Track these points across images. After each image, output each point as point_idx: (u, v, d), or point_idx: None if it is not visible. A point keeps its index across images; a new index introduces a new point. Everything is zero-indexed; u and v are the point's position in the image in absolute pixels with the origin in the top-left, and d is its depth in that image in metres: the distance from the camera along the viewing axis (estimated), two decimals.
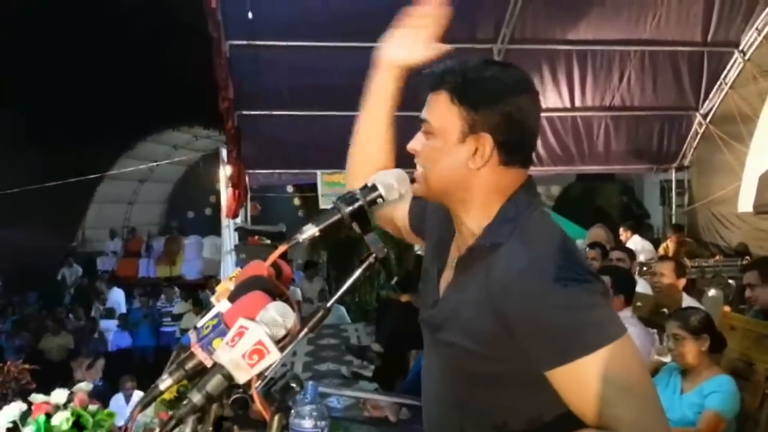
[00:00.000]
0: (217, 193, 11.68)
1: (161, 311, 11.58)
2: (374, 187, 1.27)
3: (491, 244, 1.26)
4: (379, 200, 1.27)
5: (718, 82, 8.79)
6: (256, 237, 7.98)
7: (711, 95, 8.91)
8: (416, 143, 1.36)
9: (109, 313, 11.83)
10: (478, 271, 1.26)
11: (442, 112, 1.29)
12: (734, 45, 8.42)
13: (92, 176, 13.60)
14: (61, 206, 13.03)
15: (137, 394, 6.61)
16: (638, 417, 1.13)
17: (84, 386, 1.60)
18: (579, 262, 1.23)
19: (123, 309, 12.34)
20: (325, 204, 8.53)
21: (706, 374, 3.03)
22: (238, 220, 8.71)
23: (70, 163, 12.50)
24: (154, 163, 15.49)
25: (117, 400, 6.82)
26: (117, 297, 12.73)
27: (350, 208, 1.24)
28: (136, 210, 18.26)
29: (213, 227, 14.04)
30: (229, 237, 8.81)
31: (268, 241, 7.75)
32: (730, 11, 8.02)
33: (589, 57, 8.35)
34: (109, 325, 11.34)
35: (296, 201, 14.13)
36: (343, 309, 8.58)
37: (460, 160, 1.29)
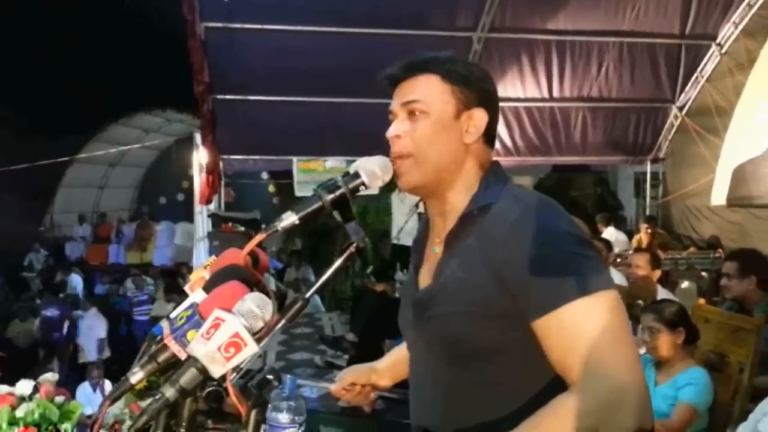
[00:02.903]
0: (190, 179, 11.54)
1: (132, 300, 11.39)
2: (357, 175, 1.25)
3: (481, 207, 1.30)
4: (362, 188, 1.25)
5: (695, 75, 8.85)
6: (230, 224, 7.87)
7: (687, 88, 8.96)
8: (400, 128, 1.34)
9: (73, 300, 11.61)
10: (468, 236, 1.30)
11: (434, 91, 1.33)
12: (711, 38, 8.48)
13: (61, 159, 13.36)
14: (29, 190, 12.80)
15: (105, 383, 6.54)
16: (619, 372, 1.14)
17: (50, 377, 1.55)
18: (569, 218, 1.30)
19: (80, 295, 12.12)
20: (300, 191, 8.46)
21: (680, 366, 3.04)
22: (212, 206, 8.59)
23: (38, 146, 12.25)
24: (126, 147, 15.24)
25: (84, 389, 6.73)
26: (74, 282, 12.53)
27: (332, 195, 1.22)
28: (107, 195, 18.00)
29: (185, 213, 13.86)
30: (202, 223, 8.69)
31: (242, 228, 7.65)
32: (708, 4, 8.07)
33: (567, 47, 8.34)
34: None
35: (271, 188, 14.04)
36: (317, 298, 8.54)
37: (455, 135, 1.34)
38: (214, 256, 1.30)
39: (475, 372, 1.30)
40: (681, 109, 9.12)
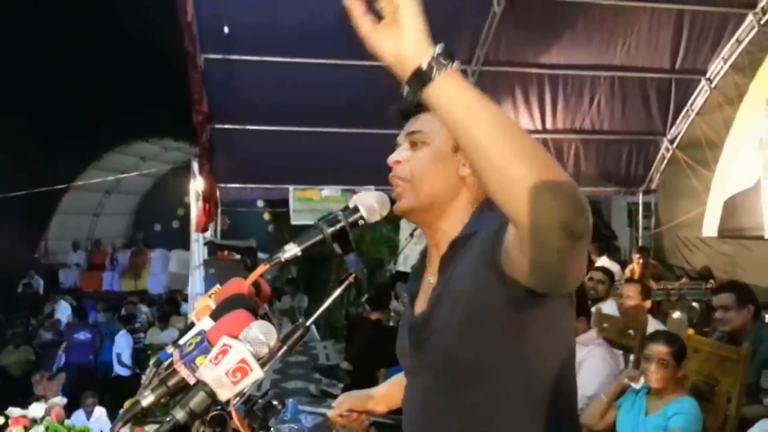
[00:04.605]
0: (185, 206, 11.58)
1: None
2: (356, 209, 1.31)
3: (469, 234, 1.35)
4: (360, 221, 1.30)
5: (685, 109, 8.98)
6: (226, 252, 7.91)
7: (678, 121, 9.09)
8: (400, 154, 1.43)
9: (55, 326, 11.55)
10: (460, 256, 1.34)
11: (436, 125, 1.40)
12: (701, 73, 8.62)
13: (58, 187, 13.39)
14: (24, 216, 12.80)
15: (98, 410, 6.51)
16: None
17: (58, 401, 1.59)
18: None
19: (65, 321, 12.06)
20: (296, 219, 8.51)
21: (670, 396, 3.08)
22: (208, 234, 8.63)
23: (35, 173, 12.29)
24: (123, 175, 15.29)
25: (78, 416, 6.69)
26: (63, 310, 12.48)
27: (332, 229, 1.27)
28: (102, 222, 17.97)
29: (180, 241, 13.89)
30: (198, 251, 8.72)
31: (238, 257, 7.69)
32: (698, 40, 8.20)
33: (560, 81, 8.48)
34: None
35: (266, 216, 14.07)
36: (312, 326, 8.54)
37: (452, 168, 1.40)
38: (218, 285, 1.35)
39: (464, 398, 1.34)
40: (672, 141, 9.24)
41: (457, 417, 1.35)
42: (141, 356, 10.23)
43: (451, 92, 1.05)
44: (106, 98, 12.93)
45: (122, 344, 10.04)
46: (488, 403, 1.32)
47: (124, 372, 9.85)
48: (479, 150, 1.02)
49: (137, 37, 11.57)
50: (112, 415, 6.06)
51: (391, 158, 1.44)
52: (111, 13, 11.91)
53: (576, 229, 1.00)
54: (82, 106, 12.69)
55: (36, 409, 1.52)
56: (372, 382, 5.04)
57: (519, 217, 1.02)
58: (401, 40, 1.05)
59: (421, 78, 1.04)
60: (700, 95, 8.83)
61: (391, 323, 6.38)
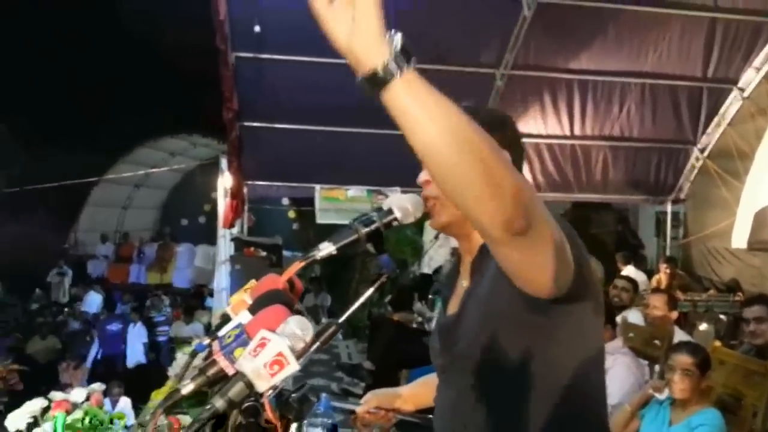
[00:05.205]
0: (212, 202, 11.70)
1: (153, 320, 11.49)
2: (390, 211, 1.32)
3: None
4: (395, 223, 1.33)
5: (717, 118, 8.87)
6: (252, 248, 7.98)
7: (709, 130, 8.98)
8: (427, 174, 1.44)
9: (83, 317, 11.78)
10: (489, 261, 1.35)
11: None
12: (733, 82, 8.52)
13: (88, 180, 13.60)
14: (55, 208, 13.03)
15: (124, 400, 6.63)
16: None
17: (97, 387, 1.65)
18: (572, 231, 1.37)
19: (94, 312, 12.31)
20: (322, 218, 8.55)
21: (695, 407, 3.08)
22: (234, 230, 8.72)
23: (66, 166, 12.50)
24: (151, 170, 15.49)
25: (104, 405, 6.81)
26: (92, 300, 12.68)
27: (367, 229, 1.29)
28: (130, 215, 18.26)
29: (206, 236, 14.04)
30: (224, 247, 8.81)
31: (264, 253, 7.75)
32: (730, 49, 8.11)
33: (590, 87, 8.42)
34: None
35: (291, 213, 14.17)
36: None
37: None
38: (254, 281, 1.39)
39: (488, 397, 1.37)
40: (702, 151, 9.13)
41: (483, 416, 1.38)
42: (163, 348, 10.40)
43: (406, 99, 1.03)
44: (106, 98, 13.09)
45: (142, 335, 10.27)
46: (511, 402, 1.35)
47: (145, 361, 10.07)
48: (431, 155, 1.05)
49: (137, 38, 11.69)
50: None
51: (420, 178, 1.47)
52: (111, 13, 12.05)
53: (514, 229, 1.06)
54: (112, 100, 12.90)
55: (77, 394, 1.58)
56: (394, 382, 5.09)
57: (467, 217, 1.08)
58: (355, 32, 1.00)
59: (376, 82, 1.03)
60: (732, 105, 8.71)
61: (414, 324, 6.41)
